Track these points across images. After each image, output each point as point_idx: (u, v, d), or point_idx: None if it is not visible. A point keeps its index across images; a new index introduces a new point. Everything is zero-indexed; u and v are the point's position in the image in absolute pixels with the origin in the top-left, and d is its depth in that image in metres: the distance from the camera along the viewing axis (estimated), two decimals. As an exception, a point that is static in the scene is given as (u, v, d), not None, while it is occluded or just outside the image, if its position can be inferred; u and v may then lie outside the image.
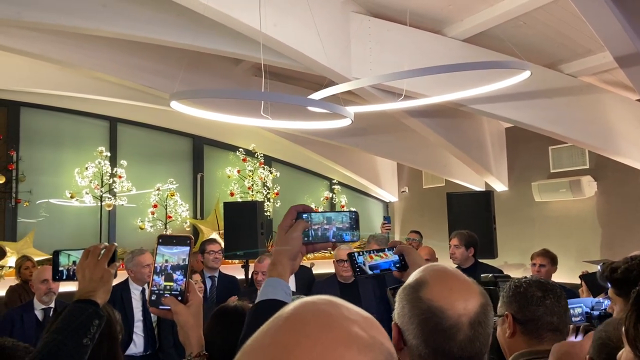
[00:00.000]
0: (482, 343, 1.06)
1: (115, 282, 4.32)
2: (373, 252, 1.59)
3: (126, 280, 3.91)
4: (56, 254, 1.53)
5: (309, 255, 8.40)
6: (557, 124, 5.61)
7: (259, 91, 4.87)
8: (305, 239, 1.20)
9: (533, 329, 1.61)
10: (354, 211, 1.25)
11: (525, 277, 1.75)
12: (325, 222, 1.21)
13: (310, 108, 4.45)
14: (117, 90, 6.73)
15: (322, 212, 1.24)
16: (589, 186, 6.31)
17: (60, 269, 1.51)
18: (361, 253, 1.59)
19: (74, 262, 1.48)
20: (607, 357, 1.32)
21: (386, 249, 1.58)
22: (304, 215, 1.21)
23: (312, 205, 9.22)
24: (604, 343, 1.33)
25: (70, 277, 1.49)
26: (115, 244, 1.50)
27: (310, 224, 1.20)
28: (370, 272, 1.56)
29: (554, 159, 6.85)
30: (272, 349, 0.53)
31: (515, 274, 5.20)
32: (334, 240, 1.23)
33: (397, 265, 1.55)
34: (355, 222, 1.23)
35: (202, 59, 6.13)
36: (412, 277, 1.16)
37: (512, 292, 1.69)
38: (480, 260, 4.40)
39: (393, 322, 1.14)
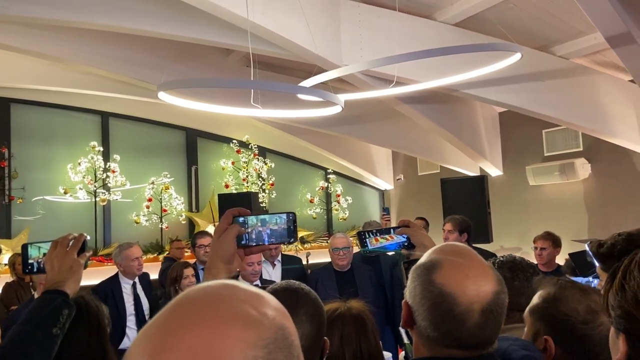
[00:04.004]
0: (493, 330, 1.05)
1: (104, 277, 4.27)
2: (379, 235, 1.63)
3: (116, 275, 3.89)
4: (25, 247, 1.51)
5: (305, 245, 8.46)
6: (550, 106, 5.59)
7: (247, 79, 4.83)
8: (243, 242, 1.19)
9: None
10: (292, 212, 1.23)
11: (500, 257, 1.74)
12: (260, 224, 1.20)
13: (300, 96, 4.42)
14: (108, 84, 6.68)
15: (257, 214, 1.21)
16: (583, 168, 6.31)
17: (30, 261, 1.49)
18: (368, 235, 1.63)
19: (45, 254, 1.46)
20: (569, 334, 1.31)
21: (392, 231, 1.62)
22: (240, 219, 1.19)
23: (308, 196, 9.22)
24: (563, 320, 1.32)
25: (41, 270, 1.47)
26: (85, 234, 1.49)
27: (246, 227, 1.19)
28: (375, 247, 1.63)
29: (548, 142, 6.85)
30: (157, 335, 0.53)
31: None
32: (268, 242, 1.22)
33: (405, 244, 1.59)
34: (292, 223, 1.22)
35: (193, 51, 6.09)
36: (427, 255, 1.13)
37: None
38: (475, 245, 4.40)
39: (404, 300, 1.13)
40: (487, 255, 4.10)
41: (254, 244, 1.20)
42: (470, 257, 1.10)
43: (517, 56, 3.82)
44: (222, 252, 1.16)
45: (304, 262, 5.69)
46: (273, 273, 4.55)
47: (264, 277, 4.41)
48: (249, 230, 1.19)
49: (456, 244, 1.19)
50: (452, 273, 1.06)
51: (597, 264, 1.69)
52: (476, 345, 1.04)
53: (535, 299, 1.44)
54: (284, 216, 1.22)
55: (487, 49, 4.04)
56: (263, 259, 4.53)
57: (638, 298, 0.86)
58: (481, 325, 1.03)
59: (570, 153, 6.55)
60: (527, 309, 1.45)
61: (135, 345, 0.54)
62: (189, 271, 3.74)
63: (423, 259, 1.13)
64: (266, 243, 1.21)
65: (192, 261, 4.62)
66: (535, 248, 4.50)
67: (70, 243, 1.43)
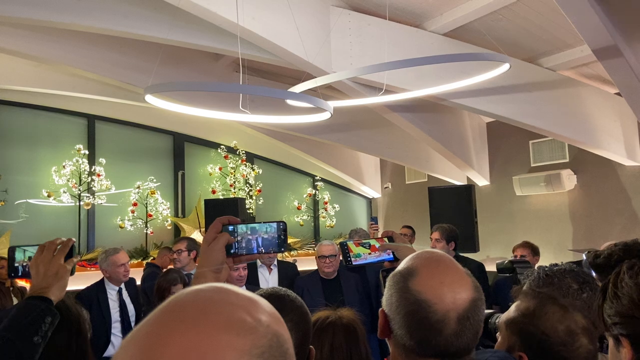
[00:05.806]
0: (470, 338, 1.03)
1: (90, 282, 4.16)
2: (360, 246, 1.63)
3: (101, 281, 3.81)
4: (12, 250, 1.47)
5: (292, 252, 8.41)
6: (537, 117, 5.64)
7: (236, 84, 4.81)
8: (232, 251, 1.17)
9: None
10: (282, 222, 1.21)
11: (556, 264, 1.64)
12: (250, 232, 1.19)
13: (288, 101, 4.41)
14: (95, 87, 6.61)
15: (246, 223, 1.20)
16: (569, 179, 6.36)
17: (16, 265, 1.46)
18: (350, 247, 1.63)
19: (30, 258, 1.42)
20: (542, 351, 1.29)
21: (370, 243, 1.61)
22: (230, 228, 1.17)
23: (295, 202, 9.19)
24: (541, 339, 1.29)
25: (26, 274, 1.43)
26: (73, 239, 1.44)
27: (235, 235, 1.18)
28: (359, 263, 1.64)
29: (535, 153, 6.91)
30: (146, 339, 0.51)
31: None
32: (257, 251, 1.20)
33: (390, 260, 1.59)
34: (282, 232, 1.21)
35: (182, 55, 6.05)
36: (404, 263, 1.12)
37: (544, 282, 1.58)
38: (461, 254, 4.41)
39: (381, 309, 1.11)
40: (475, 265, 4.11)
41: (244, 253, 1.18)
42: (446, 264, 1.09)
43: (505, 66, 3.84)
44: (211, 261, 1.13)
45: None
46: (270, 278, 4.50)
47: (260, 282, 4.36)
48: (239, 239, 1.18)
49: (434, 250, 1.18)
50: (428, 280, 1.04)
51: (593, 274, 1.67)
52: (453, 354, 1.03)
53: (513, 311, 1.39)
54: (274, 225, 1.20)
55: (476, 58, 4.06)
56: (260, 263, 4.49)
57: (634, 299, 0.87)
58: (458, 333, 1.01)
59: (556, 164, 6.60)
60: (504, 319, 1.41)
61: (121, 352, 0.51)
62: (177, 289, 3.62)
63: (400, 266, 1.12)
64: (255, 252, 1.20)
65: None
66: (515, 256, 4.58)
67: (58, 248, 1.39)
